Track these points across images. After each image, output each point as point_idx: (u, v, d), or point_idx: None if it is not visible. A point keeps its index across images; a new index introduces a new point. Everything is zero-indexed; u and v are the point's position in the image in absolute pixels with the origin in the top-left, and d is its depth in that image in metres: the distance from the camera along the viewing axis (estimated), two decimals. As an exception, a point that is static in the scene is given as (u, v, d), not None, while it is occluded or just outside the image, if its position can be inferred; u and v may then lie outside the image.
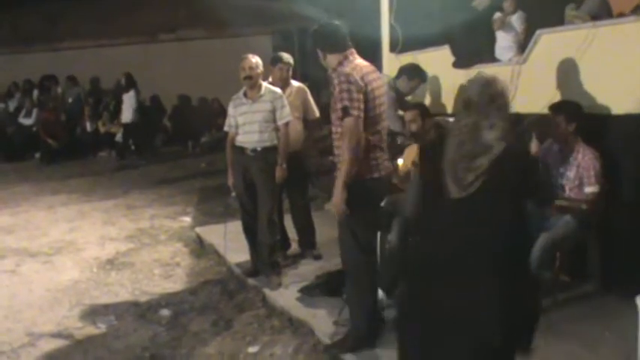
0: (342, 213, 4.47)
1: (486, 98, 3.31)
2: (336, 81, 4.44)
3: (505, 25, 7.00)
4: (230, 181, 6.46)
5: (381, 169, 4.68)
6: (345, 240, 4.70)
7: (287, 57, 6.84)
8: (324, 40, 4.72)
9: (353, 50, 4.76)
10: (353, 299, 4.80)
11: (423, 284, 3.40)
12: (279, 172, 6.24)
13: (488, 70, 6.92)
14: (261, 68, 6.27)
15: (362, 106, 4.42)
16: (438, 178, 3.36)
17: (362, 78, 4.48)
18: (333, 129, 4.62)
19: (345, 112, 4.37)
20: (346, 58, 4.61)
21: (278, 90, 6.39)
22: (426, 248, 3.46)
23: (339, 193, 4.42)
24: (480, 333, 3.18)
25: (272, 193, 6.30)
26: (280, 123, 6.26)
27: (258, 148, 6.24)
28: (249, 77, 6.20)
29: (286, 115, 6.30)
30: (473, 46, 7.32)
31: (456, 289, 3.22)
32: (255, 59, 6.25)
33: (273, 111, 6.25)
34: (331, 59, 4.65)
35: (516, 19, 7.01)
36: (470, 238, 3.21)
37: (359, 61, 4.68)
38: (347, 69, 4.51)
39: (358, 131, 4.40)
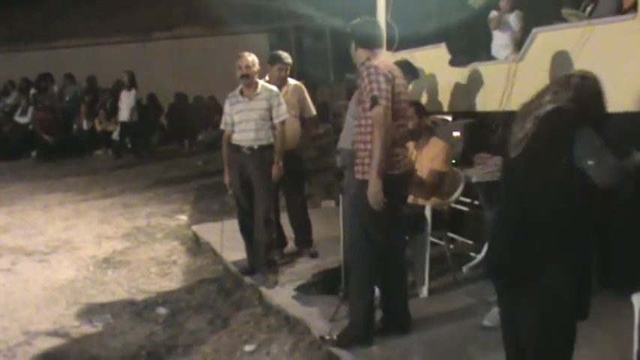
0: (380, 203, 4.44)
1: (565, 76, 3.53)
2: (364, 73, 4.48)
3: (502, 24, 7.01)
4: (226, 179, 6.46)
5: (401, 165, 4.68)
6: (354, 235, 4.68)
7: (286, 56, 6.84)
8: (360, 33, 4.76)
9: (382, 50, 4.88)
10: (354, 296, 4.78)
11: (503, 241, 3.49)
12: (276, 170, 6.24)
13: (484, 68, 6.95)
14: (257, 66, 6.26)
15: (390, 96, 4.45)
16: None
17: (389, 71, 4.55)
18: (357, 122, 4.66)
19: (374, 101, 4.39)
20: (374, 55, 4.68)
21: (274, 88, 6.38)
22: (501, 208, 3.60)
23: (374, 184, 4.41)
24: (550, 284, 3.30)
25: (268, 191, 6.29)
26: (277, 121, 6.25)
27: (255, 147, 6.23)
28: (245, 75, 6.20)
29: (283, 113, 6.29)
30: (469, 44, 7.33)
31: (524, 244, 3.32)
32: (252, 57, 6.25)
33: (270, 109, 6.24)
34: (361, 53, 4.71)
35: (513, 18, 7.01)
36: (522, 197, 3.34)
37: (383, 58, 4.76)
38: (375, 62, 4.57)
39: (387, 120, 4.41)
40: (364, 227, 4.62)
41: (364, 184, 4.49)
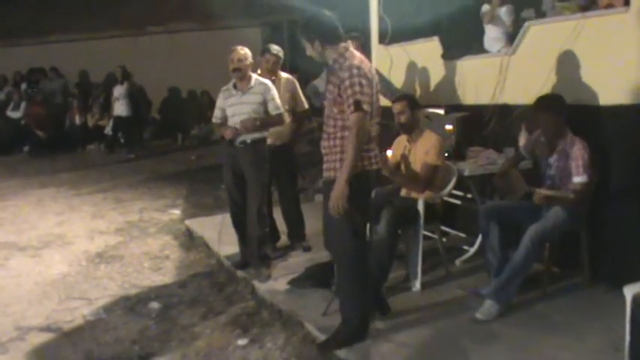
0: (343, 208, 4.40)
1: None
2: (347, 74, 4.35)
3: (494, 19, 7.01)
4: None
5: (377, 161, 4.65)
6: (341, 230, 4.58)
7: (275, 48, 6.82)
8: (322, 30, 4.56)
9: (350, 42, 4.75)
10: (345, 291, 4.75)
11: None
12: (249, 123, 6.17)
13: (477, 61, 6.95)
14: (250, 60, 6.25)
15: (370, 100, 4.41)
16: None
17: (369, 71, 4.49)
18: (331, 121, 4.56)
19: (358, 106, 4.31)
20: (347, 49, 4.53)
21: (268, 82, 6.36)
22: None
23: (342, 188, 4.36)
24: None
25: (262, 185, 6.28)
26: (275, 113, 6.26)
27: (247, 141, 6.21)
28: (237, 69, 6.19)
29: (278, 106, 6.29)
30: (462, 37, 7.33)
31: None
32: (244, 51, 6.23)
33: (264, 103, 6.22)
34: (330, 52, 4.53)
35: (505, 12, 7.02)
36: None
37: (357, 53, 4.63)
38: (356, 62, 4.45)
39: (366, 127, 4.38)
40: (352, 217, 4.55)
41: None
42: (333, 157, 4.54)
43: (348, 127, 4.42)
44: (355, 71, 4.36)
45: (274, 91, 6.32)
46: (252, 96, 6.22)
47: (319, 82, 6.85)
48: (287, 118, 6.75)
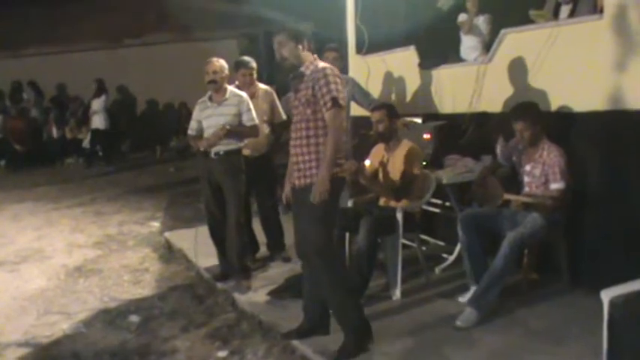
0: (324, 202, 4.45)
1: None
2: (320, 74, 4.44)
3: (472, 29, 7.05)
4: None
5: (345, 170, 4.68)
6: (317, 235, 4.56)
7: (249, 61, 6.82)
8: (301, 35, 4.65)
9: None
10: (334, 299, 4.70)
11: None
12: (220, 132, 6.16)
13: (453, 70, 6.99)
14: (226, 72, 6.25)
15: (345, 98, 4.51)
16: None
17: (339, 75, 4.58)
18: (303, 124, 4.57)
19: (335, 102, 4.39)
20: (316, 59, 4.66)
21: (243, 94, 6.35)
22: None
23: (326, 182, 4.42)
24: None
25: (238, 196, 6.26)
26: (248, 125, 6.25)
27: (221, 152, 6.20)
28: (213, 81, 6.19)
29: (252, 118, 6.28)
30: (438, 46, 7.37)
31: None
32: (220, 63, 6.24)
33: (238, 115, 6.22)
34: (308, 55, 4.63)
35: (482, 22, 7.06)
36: None
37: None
38: (326, 64, 4.58)
39: (343, 123, 4.50)
40: (324, 229, 4.58)
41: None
42: (309, 164, 4.56)
43: (322, 128, 4.50)
44: (329, 71, 4.47)
45: (249, 103, 6.31)
46: (227, 107, 6.22)
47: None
48: (265, 129, 6.76)
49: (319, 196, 4.43)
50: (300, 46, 4.61)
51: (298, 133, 4.62)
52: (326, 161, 4.43)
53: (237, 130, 6.21)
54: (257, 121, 6.32)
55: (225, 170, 6.21)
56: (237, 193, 6.25)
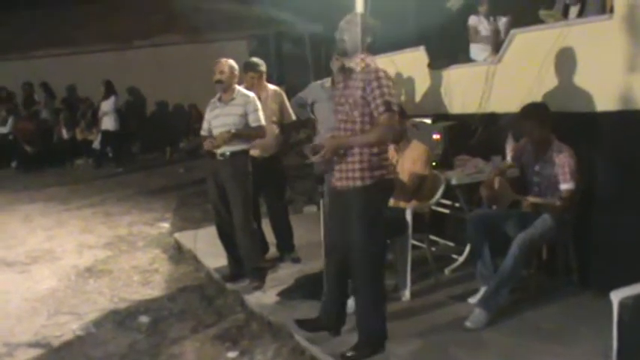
0: (373, 207, 4.51)
1: None
2: (373, 76, 4.39)
3: (481, 38, 7.05)
4: None
5: (392, 170, 4.77)
6: (366, 244, 4.53)
7: (259, 63, 6.82)
8: (371, 30, 4.59)
9: None
10: (370, 302, 4.65)
11: None
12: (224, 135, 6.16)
13: (463, 70, 6.97)
14: (234, 72, 6.25)
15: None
16: None
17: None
18: (349, 125, 4.54)
19: (389, 107, 4.35)
20: (368, 56, 4.57)
21: (251, 94, 6.35)
22: None
23: (342, 145, 4.49)
24: None
25: (244, 199, 6.23)
26: (254, 126, 6.25)
27: (227, 153, 6.20)
28: (219, 81, 6.20)
29: (258, 119, 6.26)
30: (448, 46, 7.36)
31: None
32: (228, 63, 6.23)
33: (245, 115, 6.21)
34: (364, 51, 4.55)
35: (502, 24, 7.06)
36: None
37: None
38: (379, 66, 4.53)
39: (396, 126, 4.56)
40: (375, 235, 4.57)
41: (367, 189, 4.49)
42: (351, 166, 4.53)
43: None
44: (382, 74, 4.41)
45: (256, 104, 6.29)
46: (234, 108, 6.22)
47: (305, 94, 6.85)
48: (275, 130, 6.77)
49: (331, 147, 4.47)
50: (364, 39, 4.54)
51: (342, 134, 4.59)
52: (359, 138, 4.45)
53: (242, 133, 6.19)
54: (263, 122, 6.31)
55: (230, 172, 6.20)
56: (242, 195, 6.22)
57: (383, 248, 4.76)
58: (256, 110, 6.26)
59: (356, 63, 4.53)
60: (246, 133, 6.23)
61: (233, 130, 6.12)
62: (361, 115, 4.45)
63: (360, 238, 4.54)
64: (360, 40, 4.52)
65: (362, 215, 4.51)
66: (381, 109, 4.34)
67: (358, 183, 4.49)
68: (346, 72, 4.60)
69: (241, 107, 6.20)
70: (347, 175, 4.54)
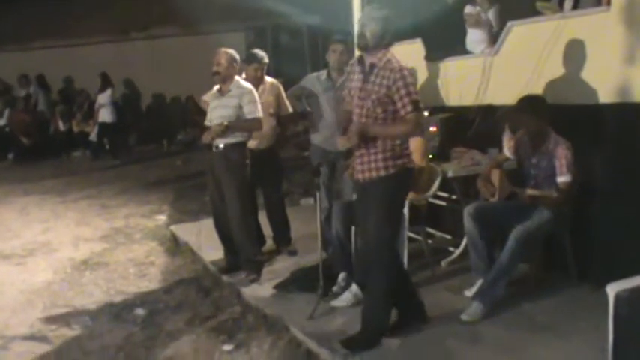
0: (392, 198, 4.55)
1: None
2: (398, 75, 4.40)
3: (479, 23, 7.01)
4: None
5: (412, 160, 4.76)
6: (381, 234, 4.56)
7: (262, 56, 6.79)
8: (391, 25, 4.60)
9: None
10: (380, 292, 4.66)
11: None
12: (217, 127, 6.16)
13: (460, 62, 6.95)
14: (231, 63, 6.20)
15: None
16: None
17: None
18: (367, 121, 4.57)
19: (416, 105, 4.38)
20: (390, 52, 4.59)
21: (246, 86, 6.29)
22: None
23: (366, 130, 4.50)
24: None
25: (238, 191, 6.20)
26: (248, 118, 6.20)
27: (221, 145, 6.18)
28: (216, 72, 6.18)
29: (251, 111, 6.19)
30: (445, 38, 7.33)
31: None
32: (226, 54, 6.18)
33: (239, 107, 6.18)
34: (385, 45, 4.57)
35: (491, 14, 7.02)
36: None
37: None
38: (403, 64, 4.53)
39: (422, 126, 4.66)
40: (391, 224, 4.60)
41: (390, 178, 4.52)
42: (374, 157, 4.55)
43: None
44: (406, 72, 4.44)
45: (251, 96, 6.23)
46: (229, 99, 6.19)
47: (301, 86, 6.83)
48: (272, 122, 6.74)
49: (354, 135, 4.50)
50: (385, 34, 4.54)
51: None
52: (387, 129, 4.50)
53: (236, 126, 6.16)
54: (259, 114, 6.25)
55: (224, 164, 6.18)
56: (236, 188, 6.19)
57: (394, 242, 4.74)
58: (251, 102, 6.20)
59: (378, 58, 4.54)
60: (240, 125, 6.20)
61: (226, 123, 6.10)
62: (384, 112, 4.49)
63: (376, 228, 4.57)
64: (381, 35, 4.53)
65: (381, 204, 4.55)
66: (409, 108, 4.38)
67: (382, 173, 4.53)
68: (366, 66, 4.61)
69: (236, 99, 6.16)
70: (369, 167, 4.58)
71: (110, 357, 5.09)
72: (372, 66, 4.55)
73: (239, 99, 6.15)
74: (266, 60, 6.82)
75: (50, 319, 5.92)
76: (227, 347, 5.01)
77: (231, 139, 6.17)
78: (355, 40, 4.75)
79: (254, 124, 6.23)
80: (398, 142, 4.52)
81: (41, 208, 10.98)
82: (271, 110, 6.74)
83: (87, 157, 17.07)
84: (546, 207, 5.19)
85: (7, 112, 17.79)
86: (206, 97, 6.67)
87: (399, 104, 4.41)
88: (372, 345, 4.59)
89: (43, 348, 5.34)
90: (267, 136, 6.73)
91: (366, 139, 4.55)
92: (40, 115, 18.33)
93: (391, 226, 4.61)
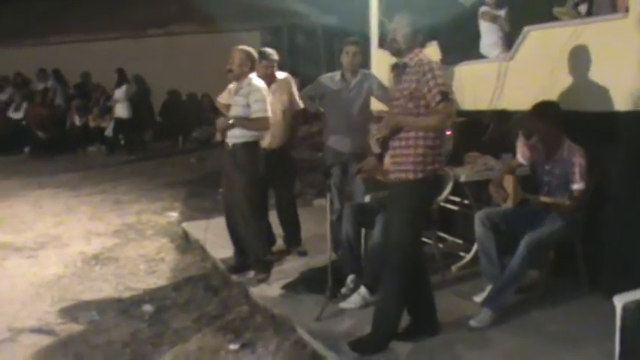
0: (418, 203, 4.54)
1: None
2: (427, 67, 4.43)
3: (495, 19, 6.97)
4: None
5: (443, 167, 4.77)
6: (402, 237, 4.56)
7: (271, 53, 6.77)
8: (419, 27, 4.66)
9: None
10: (392, 295, 4.66)
11: None
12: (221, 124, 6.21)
13: (475, 66, 6.92)
14: (245, 62, 6.15)
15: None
16: None
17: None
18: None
19: (445, 96, 4.39)
20: (422, 52, 4.63)
21: (257, 84, 6.21)
22: None
23: (397, 123, 4.53)
24: None
25: (245, 191, 6.17)
26: (255, 117, 6.13)
27: (230, 144, 6.18)
28: (229, 70, 6.18)
29: (258, 110, 6.11)
30: (460, 42, 7.30)
31: None
32: (240, 53, 6.15)
33: (248, 105, 6.12)
34: (416, 46, 4.62)
35: (503, 17, 6.99)
36: None
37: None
38: (432, 59, 4.59)
39: (453, 115, 4.57)
40: (412, 228, 4.58)
41: (418, 182, 4.50)
42: (405, 159, 4.54)
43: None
44: (435, 65, 4.47)
45: (259, 95, 6.14)
46: (240, 98, 6.16)
47: (314, 87, 6.83)
48: (283, 121, 6.71)
49: (387, 126, 4.56)
50: (416, 36, 4.58)
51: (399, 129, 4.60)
52: (418, 120, 4.48)
53: (241, 123, 6.13)
54: (266, 114, 6.15)
55: (232, 163, 6.18)
56: (244, 187, 6.16)
57: (417, 245, 4.75)
58: (258, 101, 6.12)
59: (410, 58, 4.57)
60: (246, 123, 6.15)
61: (231, 120, 6.09)
62: (416, 107, 4.49)
63: (397, 230, 4.58)
64: (412, 37, 4.57)
65: (406, 207, 4.55)
66: (438, 98, 4.37)
67: (411, 176, 4.51)
68: (398, 67, 4.65)
69: (244, 97, 6.13)
70: (400, 168, 4.57)
71: (116, 352, 5.08)
72: (405, 66, 4.59)
73: (247, 97, 6.12)
74: (275, 57, 6.79)
75: (58, 313, 5.93)
76: (233, 347, 4.99)
77: (240, 139, 6.14)
78: (388, 47, 4.73)
79: (260, 123, 6.15)
80: (430, 144, 4.48)
81: (55, 202, 11.03)
82: (284, 107, 6.72)
83: (102, 152, 17.15)
84: (559, 214, 5.15)
85: (24, 105, 17.93)
86: (221, 98, 6.66)
87: (429, 96, 4.41)
88: (380, 348, 4.57)
89: (50, 341, 5.35)
90: (278, 135, 6.70)
91: (400, 138, 4.56)
92: (56, 109, 18.44)
93: (412, 231, 4.58)
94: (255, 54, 6.32)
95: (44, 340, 5.37)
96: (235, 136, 6.14)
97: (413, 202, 4.54)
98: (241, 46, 6.26)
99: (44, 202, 11.07)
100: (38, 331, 5.56)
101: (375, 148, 4.99)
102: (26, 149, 17.45)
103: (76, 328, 5.60)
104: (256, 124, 6.15)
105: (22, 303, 6.21)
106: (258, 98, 6.12)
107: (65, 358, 5.05)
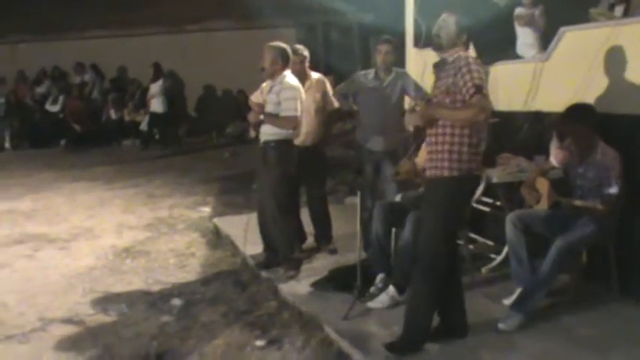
0: (452, 203, 4.51)
1: None
2: (463, 62, 4.42)
3: (530, 22, 6.90)
4: None
5: (480, 167, 4.71)
6: (435, 237, 4.54)
7: (300, 49, 6.75)
8: (465, 27, 4.67)
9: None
10: (423, 295, 4.63)
11: None
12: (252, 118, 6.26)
13: (510, 67, 6.85)
14: (276, 59, 6.13)
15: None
16: None
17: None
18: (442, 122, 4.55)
19: (479, 89, 4.33)
20: (463, 50, 4.62)
21: (289, 82, 6.18)
22: None
23: (427, 114, 4.53)
24: None
25: (274, 189, 6.17)
26: (282, 115, 6.11)
27: (262, 141, 6.21)
28: (262, 68, 6.19)
29: (287, 108, 6.09)
30: (495, 42, 7.23)
31: None
32: (272, 50, 6.15)
33: (278, 103, 6.12)
34: (459, 45, 4.61)
35: (537, 14, 6.91)
36: None
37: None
38: (470, 54, 4.61)
39: (487, 109, 4.46)
40: (447, 228, 4.57)
41: (453, 180, 4.47)
42: (440, 155, 4.52)
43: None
44: (471, 60, 4.46)
45: (289, 93, 6.11)
46: (273, 95, 6.16)
47: (348, 85, 6.82)
48: (316, 119, 6.71)
49: (414, 116, 4.63)
50: (459, 35, 4.58)
51: (434, 123, 4.58)
52: (450, 112, 4.45)
53: (270, 120, 6.14)
54: (295, 113, 6.11)
55: (263, 160, 6.20)
56: (273, 185, 6.17)
57: (450, 246, 4.66)
58: (288, 99, 6.09)
59: (450, 54, 4.57)
60: (274, 120, 6.14)
61: (261, 117, 6.11)
62: (453, 102, 4.45)
63: (429, 228, 4.57)
64: (455, 35, 4.56)
65: (439, 205, 4.53)
66: (472, 91, 4.32)
67: (446, 173, 4.48)
68: (439, 66, 4.65)
69: (275, 95, 6.13)
70: (435, 165, 4.55)
71: (143, 345, 5.12)
72: (444, 62, 4.58)
73: (277, 95, 6.11)
74: (305, 53, 6.76)
75: (88, 304, 6.02)
76: (259, 343, 5.00)
77: (272, 136, 6.15)
78: (433, 41, 4.73)
79: (289, 122, 6.13)
80: (467, 141, 4.43)
81: (89, 195, 11.16)
82: (317, 106, 6.71)
83: (137, 146, 17.27)
84: (591, 218, 5.08)
85: (61, 98, 18.13)
86: (254, 97, 6.64)
87: (464, 90, 4.37)
88: (415, 349, 4.56)
89: (80, 332, 5.44)
90: (310, 134, 6.70)
91: (436, 134, 4.54)
92: (93, 103, 18.63)
93: (445, 230, 4.55)
94: (289, 50, 6.29)
95: (74, 331, 5.46)
96: (267, 134, 6.15)
97: (446, 199, 4.50)
98: (272, 43, 6.24)
99: (78, 194, 11.20)
100: (68, 321, 5.64)
101: (410, 126, 4.95)
102: (62, 142, 17.64)
103: (105, 319, 5.68)
104: (285, 123, 6.13)
105: (53, 293, 6.30)
106: (288, 97, 6.09)
107: (94, 349, 5.10)
